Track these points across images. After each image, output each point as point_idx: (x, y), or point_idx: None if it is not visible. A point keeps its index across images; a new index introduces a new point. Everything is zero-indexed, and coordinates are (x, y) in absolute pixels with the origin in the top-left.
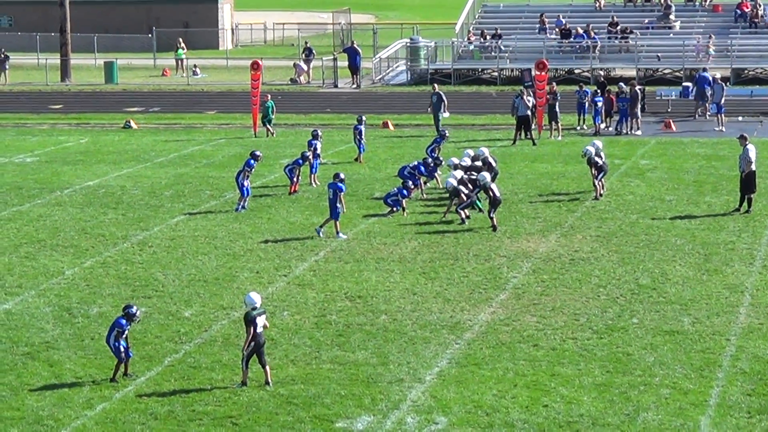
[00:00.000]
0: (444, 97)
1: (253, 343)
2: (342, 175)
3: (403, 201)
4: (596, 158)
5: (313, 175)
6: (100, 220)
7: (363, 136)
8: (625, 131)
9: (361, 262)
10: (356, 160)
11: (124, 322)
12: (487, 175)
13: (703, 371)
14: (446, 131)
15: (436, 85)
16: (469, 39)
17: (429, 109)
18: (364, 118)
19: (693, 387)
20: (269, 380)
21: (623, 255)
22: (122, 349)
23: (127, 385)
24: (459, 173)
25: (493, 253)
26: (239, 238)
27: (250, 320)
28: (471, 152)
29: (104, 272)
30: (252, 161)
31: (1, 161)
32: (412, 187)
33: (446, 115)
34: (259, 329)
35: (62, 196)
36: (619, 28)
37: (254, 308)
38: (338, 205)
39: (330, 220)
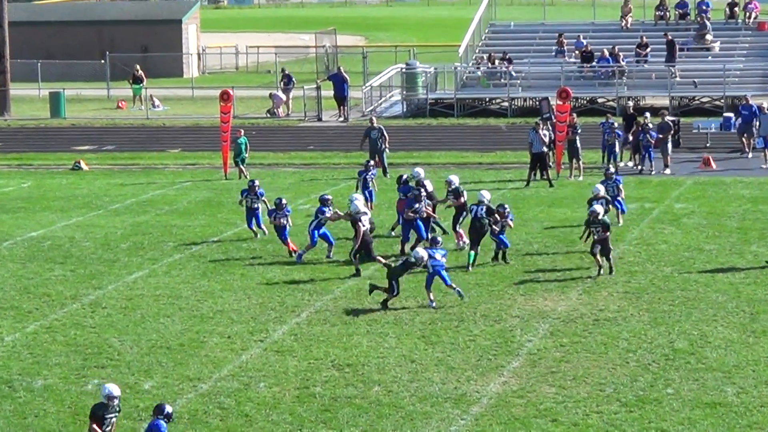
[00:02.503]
0: (385, 133)
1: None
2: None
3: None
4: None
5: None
6: (45, 277)
7: (371, 183)
8: (649, 170)
9: (350, 324)
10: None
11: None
12: (360, 204)
13: None
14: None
15: (374, 118)
16: (478, 64)
17: (362, 146)
18: (372, 162)
19: None
20: None
21: (656, 314)
22: None
23: None
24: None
25: (503, 313)
26: (208, 298)
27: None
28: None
29: (50, 338)
30: (324, 208)
31: None
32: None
33: (387, 151)
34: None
35: (0, 249)
36: (649, 50)
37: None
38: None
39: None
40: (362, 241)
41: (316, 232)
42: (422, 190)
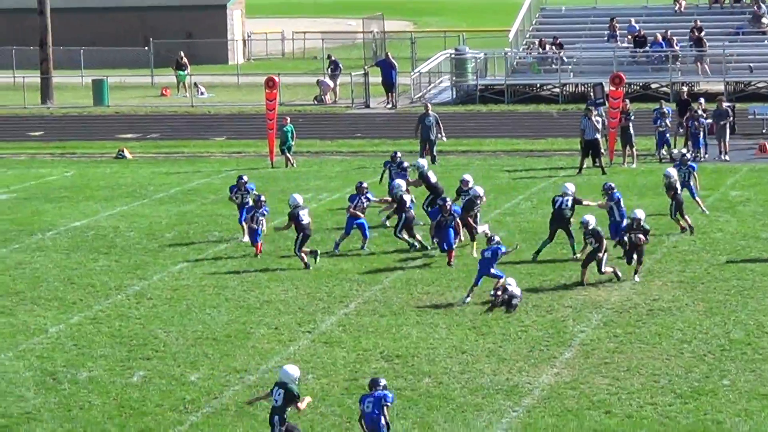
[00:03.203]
0: (440, 121)
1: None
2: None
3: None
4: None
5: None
6: (89, 267)
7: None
8: (701, 157)
9: (400, 315)
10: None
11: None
12: (298, 198)
13: None
14: None
15: (429, 105)
16: (530, 50)
17: (416, 133)
18: (399, 154)
19: None
20: None
21: (711, 304)
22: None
23: None
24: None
25: (555, 303)
26: (254, 288)
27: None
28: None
29: (95, 329)
30: (357, 196)
31: None
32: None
33: (444, 140)
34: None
35: (44, 239)
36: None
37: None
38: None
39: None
40: (303, 235)
41: (352, 220)
42: (447, 200)
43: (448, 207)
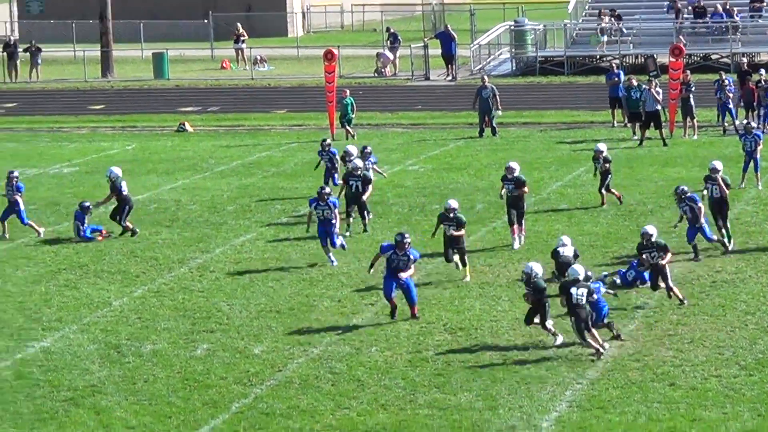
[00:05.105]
0: (497, 93)
1: None
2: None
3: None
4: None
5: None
6: (152, 240)
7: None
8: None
9: (462, 287)
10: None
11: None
12: (117, 170)
13: None
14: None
15: (486, 77)
16: (599, 22)
17: (474, 105)
18: (328, 141)
19: None
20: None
21: None
22: None
23: None
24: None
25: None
26: (317, 261)
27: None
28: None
29: (158, 302)
30: (316, 200)
31: (35, 172)
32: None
33: (499, 113)
34: None
35: (106, 213)
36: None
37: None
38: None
39: None
40: (128, 207)
41: (320, 228)
42: (405, 236)
43: (405, 245)
